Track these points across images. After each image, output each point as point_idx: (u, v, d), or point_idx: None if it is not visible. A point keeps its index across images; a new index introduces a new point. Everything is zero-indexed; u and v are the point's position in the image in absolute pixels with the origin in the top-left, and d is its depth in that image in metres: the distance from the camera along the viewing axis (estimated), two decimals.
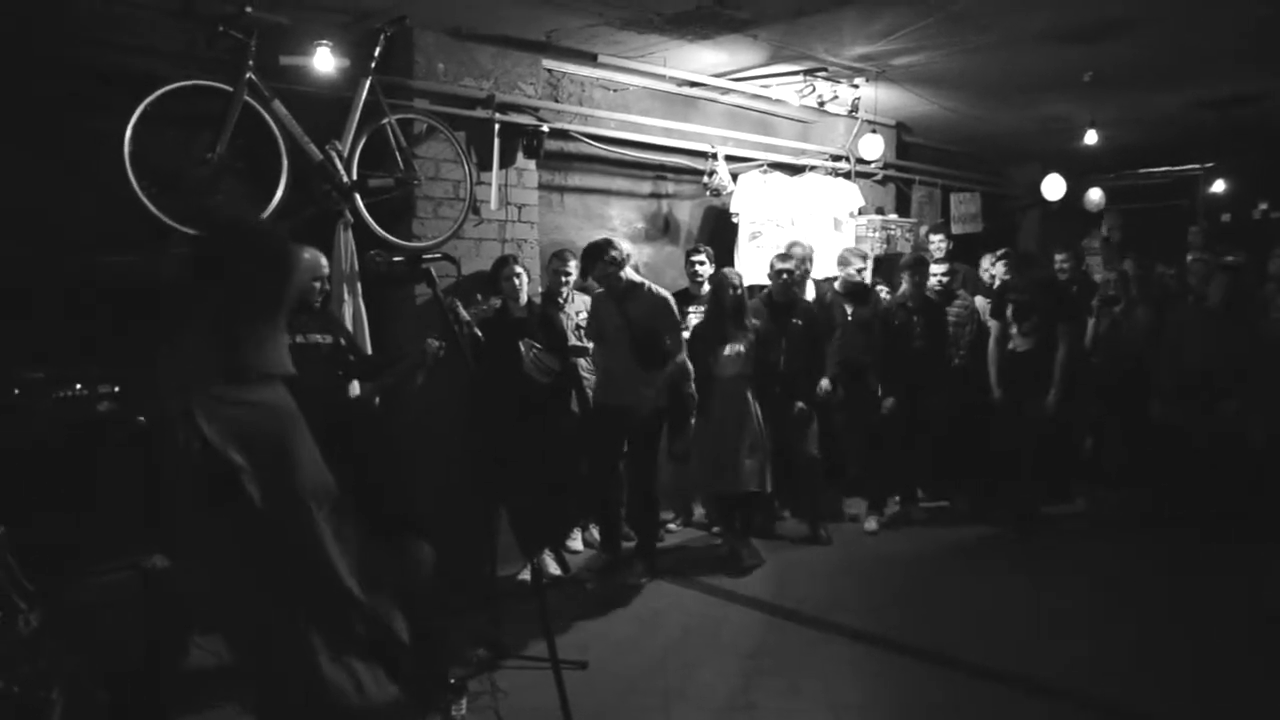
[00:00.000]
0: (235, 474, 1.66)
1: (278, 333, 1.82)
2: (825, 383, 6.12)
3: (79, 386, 3.83)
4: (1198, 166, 10.29)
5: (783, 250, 6.54)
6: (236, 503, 1.66)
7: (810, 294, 6.87)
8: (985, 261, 7.59)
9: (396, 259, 3.09)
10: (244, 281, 1.81)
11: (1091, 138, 7.85)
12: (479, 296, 5.36)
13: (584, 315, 5.78)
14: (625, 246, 5.54)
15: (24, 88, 4.22)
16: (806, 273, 6.80)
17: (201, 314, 1.77)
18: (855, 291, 6.84)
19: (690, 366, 5.71)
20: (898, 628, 4.75)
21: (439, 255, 3.18)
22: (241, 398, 1.70)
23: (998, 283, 7.08)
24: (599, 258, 5.34)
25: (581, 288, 5.97)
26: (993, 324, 6.69)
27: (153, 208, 4.12)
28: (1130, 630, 4.76)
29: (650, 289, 5.45)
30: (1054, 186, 9.16)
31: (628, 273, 5.41)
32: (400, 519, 1.87)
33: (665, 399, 5.46)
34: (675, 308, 5.50)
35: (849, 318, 6.69)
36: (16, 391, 3.64)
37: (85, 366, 3.87)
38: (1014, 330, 6.50)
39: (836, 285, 7.06)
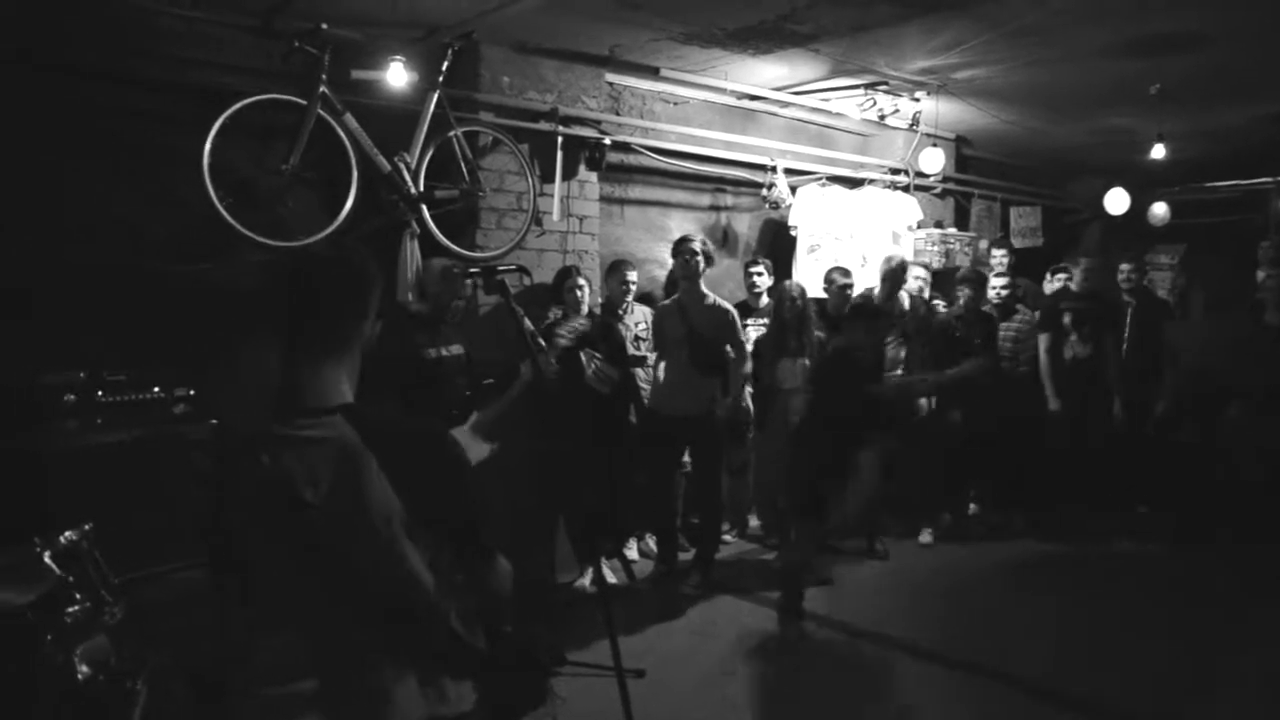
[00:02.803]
0: (307, 506, 1.67)
1: (341, 362, 1.79)
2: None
3: (157, 389, 3.98)
4: (1269, 180, 10.02)
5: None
6: (309, 530, 1.68)
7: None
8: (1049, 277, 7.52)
9: (472, 269, 3.15)
10: (317, 309, 1.79)
11: (1159, 152, 7.71)
12: (553, 313, 5.44)
13: (642, 326, 5.83)
14: (711, 247, 5.61)
15: (109, 102, 4.39)
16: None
17: (269, 332, 1.73)
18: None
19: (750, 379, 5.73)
20: (954, 642, 4.71)
21: (514, 266, 3.23)
22: (301, 434, 1.69)
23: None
24: (685, 248, 5.44)
25: (641, 298, 6.01)
26: (1042, 337, 6.74)
27: (229, 218, 4.24)
28: (1192, 650, 4.66)
29: (716, 301, 5.49)
30: (1118, 201, 8.99)
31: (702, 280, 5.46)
32: (480, 533, 1.86)
33: (733, 412, 5.48)
34: (738, 321, 5.52)
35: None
36: (100, 393, 3.77)
37: (163, 371, 4.01)
38: (1073, 338, 6.59)
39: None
